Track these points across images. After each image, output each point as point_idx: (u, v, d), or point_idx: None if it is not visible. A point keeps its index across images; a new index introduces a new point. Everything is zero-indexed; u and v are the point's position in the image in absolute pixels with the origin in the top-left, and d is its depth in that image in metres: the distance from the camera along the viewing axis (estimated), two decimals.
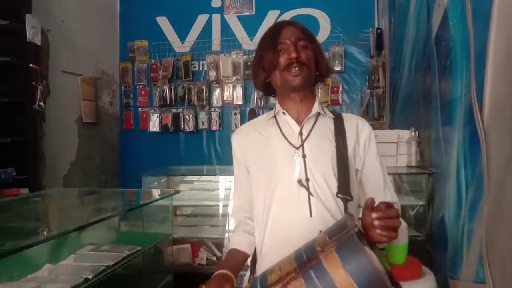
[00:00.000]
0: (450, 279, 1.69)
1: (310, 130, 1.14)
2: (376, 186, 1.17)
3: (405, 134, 2.43)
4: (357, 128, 1.16)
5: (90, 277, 1.57)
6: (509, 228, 1.17)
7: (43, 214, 2.14)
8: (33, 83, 3.05)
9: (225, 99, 4.27)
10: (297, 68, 1.09)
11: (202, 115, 4.31)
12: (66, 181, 3.63)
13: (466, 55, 1.50)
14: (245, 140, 1.21)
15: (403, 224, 1.01)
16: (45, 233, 1.53)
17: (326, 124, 1.16)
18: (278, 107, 1.18)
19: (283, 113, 1.16)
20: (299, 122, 1.15)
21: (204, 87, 4.29)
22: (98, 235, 2.06)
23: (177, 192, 2.45)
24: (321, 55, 1.17)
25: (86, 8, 4.03)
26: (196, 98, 4.29)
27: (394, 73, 3.18)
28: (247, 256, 1.18)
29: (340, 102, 4.12)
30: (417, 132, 2.38)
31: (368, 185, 1.17)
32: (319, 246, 0.81)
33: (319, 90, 4.09)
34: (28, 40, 3.00)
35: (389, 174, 2.46)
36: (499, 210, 1.24)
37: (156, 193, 2.49)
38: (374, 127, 3.45)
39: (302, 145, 1.11)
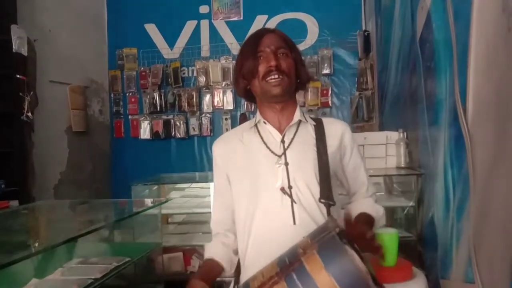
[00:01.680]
0: (441, 279, 1.69)
1: (292, 138, 1.14)
2: (364, 186, 1.25)
3: (394, 135, 2.44)
4: (342, 132, 1.18)
5: None
6: (495, 228, 1.18)
7: (30, 227, 2.12)
8: (20, 93, 3.03)
9: (215, 104, 4.27)
10: (276, 77, 1.08)
11: (193, 121, 4.30)
12: (57, 191, 3.60)
13: (449, 57, 1.51)
14: (226, 148, 1.20)
15: (382, 210, 1.23)
16: (32, 247, 1.51)
17: (308, 131, 1.16)
18: (258, 116, 1.17)
19: (264, 122, 1.16)
20: (281, 130, 1.14)
21: (194, 93, 4.28)
22: (87, 246, 2.04)
23: (167, 200, 2.43)
24: (301, 64, 1.16)
25: (73, 16, 4.01)
26: (186, 104, 4.28)
27: (382, 75, 3.19)
28: (222, 268, 1.16)
29: (330, 104, 4.13)
30: (405, 133, 2.39)
31: (357, 185, 1.25)
32: (301, 249, 0.81)
33: (309, 93, 4.11)
34: (14, 50, 2.99)
35: (378, 175, 2.51)
36: (486, 210, 1.24)
37: (147, 202, 2.47)
38: (364, 129, 3.50)
39: (284, 153, 1.11)
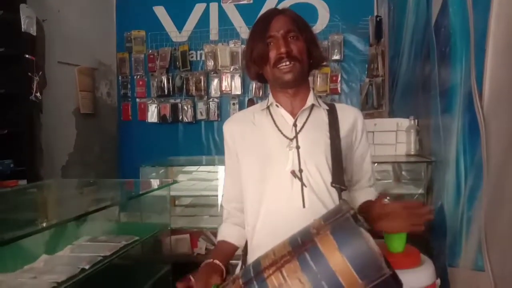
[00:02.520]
0: (449, 267, 1.69)
1: (305, 122, 1.13)
2: (367, 175, 1.24)
3: (404, 122, 2.42)
4: (354, 119, 1.17)
5: (86, 267, 1.56)
6: (509, 216, 1.16)
7: (40, 204, 2.14)
8: (29, 74, 3.02)
9: (223, 89, 4.24)
10: (287, 63, 1.06)
11: (201, 105, 4.29)
12: (64, 172, 3.63)
13: (466, 42, 1.48)
14: (237, 129, 1.19)
15: None
16: (42, 223, 1.52)
17: (320, 116, 1.15)
18: (271, 98, 1.16)
19: (276, 105, 1.14)
20: (293, 114, 1.13)
21: (202, 77, 4.26)
22: (96, 225, 2.06)
23: (175, 182, 2.44)
24: (314, 44, 1.13)
25: None
26: (194, 88, 4.26)
27: (393, 61, 3.15)
28: (236, 248, 1.18)
29: (339, 91, 4.09)
30: (416, 121, 2.36)
31: (361, 173, 1.23)
32: (315, 229, 0.80)
33: (318, 79, 4.07)
34: (23, 30, 2.97)
35: (388, 162, 2.49)
36: (499, 198, 1.23)
37: (154, 183, 2.48)
38: (373, 116, 3.47)
39: (296, 137, 1.10)
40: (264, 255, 0.86)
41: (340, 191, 1.08)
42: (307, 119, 1.13)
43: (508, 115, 1.16)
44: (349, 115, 1.17)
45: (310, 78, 4.01)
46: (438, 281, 1.53)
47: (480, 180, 1.35)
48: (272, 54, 1.06)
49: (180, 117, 4.30)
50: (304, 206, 1.06)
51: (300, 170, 1.07)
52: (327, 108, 1.16)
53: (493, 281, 1.24)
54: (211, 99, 4.29)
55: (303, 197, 1.06)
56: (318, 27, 4.10)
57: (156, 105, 4.34)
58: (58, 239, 1.84)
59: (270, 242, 0.91)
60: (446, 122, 1.77)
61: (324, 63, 1.22)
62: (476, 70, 1.38)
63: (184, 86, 4.30)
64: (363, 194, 1.22)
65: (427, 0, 2.10)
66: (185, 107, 4.29)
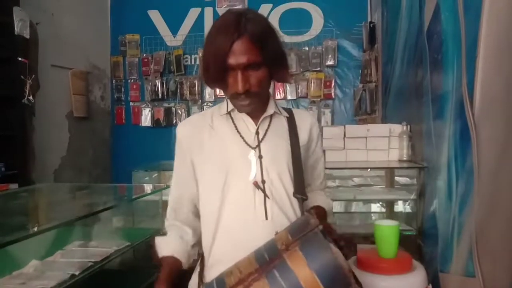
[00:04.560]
0: (441, 272, 1.69)
1: (266, 130, 1.08)
2: (319, 179, 1.24)
3: (397, 128, 2.43)
4: (311, 125, 1.15)
5: (76, 273, 1.55)
6: (500, 222, 1.17)
7: (31, 209, 2.12)
8: (22, 77, 3.01)
9: (217, 93, 4.24)
10: (245, 100, 0.99)
11: (195, 110, 4.28)
12: (56, 176, 3.60)
13: (458, 49, 1.49)
14: (194, 132, 1.10)
15: (332, 205, 1.24)
16: (32, 228, 1.51)
17: (281, 123, 1.12)
18: (231, 104, 1.07)
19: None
20: (255, 121, 1.08)
21: (196, 81, 4.26)
22: (87, 230, 2.04)
23: (167, 187, 2.42)
24: (278, 64, 1.03)
25: (76, 1, 3.98)
26: (188, 92, 4.26)
27: (387, 67, 3.17)
28: (181, 265, 1.05)
29: (333, 96, 4.11)
30: (409, 126, 2.37)
31: (313, 177, 1.22)
32: (283, 245, 0.79)
33: (312, 84, 4.09)
34: (16, 33, 2.96)
35: (381, 168, 2.50)
36: (490, 204, 1.24)
37: (147, 188, 2.46)
38: (367, 121, 3.48)
39: (258, 145, 1.05)
40: (228, 272, 0.83)
41: (302, 201, 1.04)
42: (268, 127, 1.09)
43: (498, 122, 1.17)
44: (306, 122, 1.14)
45: (304, 83, 4.08)
46: (430, 287, 1.53)
47: (471, 187, 1.36)
48: (231, 83, 0.98)
49: (174, 121, 4.29)
50: (266, 218, 1.01)
51: (263, 181, 1.03)
52: (287, 115, 1.13)
53: (484, 287, 1.25)
54: (205, 104, 4.29)
55: (265, 209, 1.01)
56: (312, 33, 4.13)
57: (150, 109, 4.33)
58: (48, 244, 1.82)
59: (231, 255, 0.89)
60: (438, 128, 1.78)
61: (288, 82, 1.19)
62: (468, 77, 1.40)
63: (178, 90, 4.30)
64: (313, 196, 1.19)
65: (420, 7, 2.12)
66: (179, 111, 4.29)
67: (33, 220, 1.79)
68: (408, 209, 2.37)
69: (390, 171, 2.61)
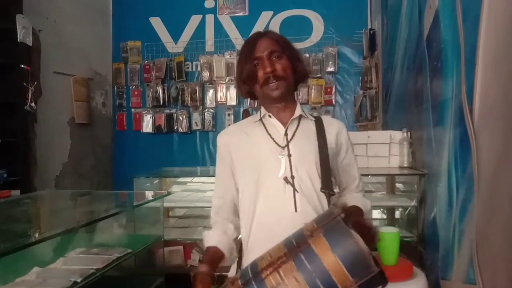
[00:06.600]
0: (442, 280, 1.69)
1: (295, 131, 1.21)
2: (355, 181, 1.33)
3: (398, 135, 2.44)
4: (338, 130, 1.27)
5: (78, 280, 1.55)
6: (500, 229, 1.17)
7: (32, 216, 2.12)
8: (24, 83, 3.03)
9: (218, 99, 4.26)
10: (274, 81, 1.16)
11: (196, 116, 4.30)
12: (58, 182, 3.60)
13: (457, 56, 1.51)
14: (231, 140, 1.26)
15: (369, 205, 1.31)
16: (34, 235, 1.51)
17: (308, 126, 1.24)
18: (263, 110, 1.24)
19: (269, 116, 1.23)
20: (284, 124, 1.22)
21: (197, 88, 4.27)
22: (88, 237, 2.04)
23: (169, 194, 2.44)
24: (297, 60, 1.24)
25: (79, 8, 4.00)
26: (189, 98, 4.28)
27: (387, 74, 3.18)
28: (224, 257, 1.20)
29: (334, 103, 4.13)
30: (409, 133, 2.38)
31: (349, 179, 1.32)
32: (308, 231, 0.86)
33: (313, 91, 4.10)
34: (19, 40, 2.98)
35: (381, 175, 2.50)
36: (491, 211, 1.24)
37: (148, 195, 2.47)
38: (367, 128, 3.49)
39: (287, 145, 1.18)
40: (261, 257, 0.91)
41: (328, 196, 1.16)
42: (296, 129, 1.21)
43: (498, 129, 1.18)
44: (333, 128, 1.26)
45: (305, 90, 4.09)
46: None
47: (472, 194, 1.36)
48: (260, 74, 1.17)
49: (175, 127, 4.30)
50: (296, 211, 1.12)
51: (292, 177, 1.14)
52: (314, 119, 1.26)
53: None
54: (206, 110, 4.30)
55: (295, 202, 1.13)
56: (312, 39, 4.15)
57: (151, 115, 4.35)
58: (50, 251, 1.82)
59: (264, 244, 0.96)
60: (438, 135, 1.78)
61: (310, 76, 1.30)
62: (467, 85, 1.41)
63: (180, 97, 4.32)
64: (351, 198, 1.30)
65: (420, 15, 2.14)
66: (180, 118, 4.30)
67: (35, 227, 1.79)
68: (409, 215, 2.37)
69: (390, 178, 2.61)
